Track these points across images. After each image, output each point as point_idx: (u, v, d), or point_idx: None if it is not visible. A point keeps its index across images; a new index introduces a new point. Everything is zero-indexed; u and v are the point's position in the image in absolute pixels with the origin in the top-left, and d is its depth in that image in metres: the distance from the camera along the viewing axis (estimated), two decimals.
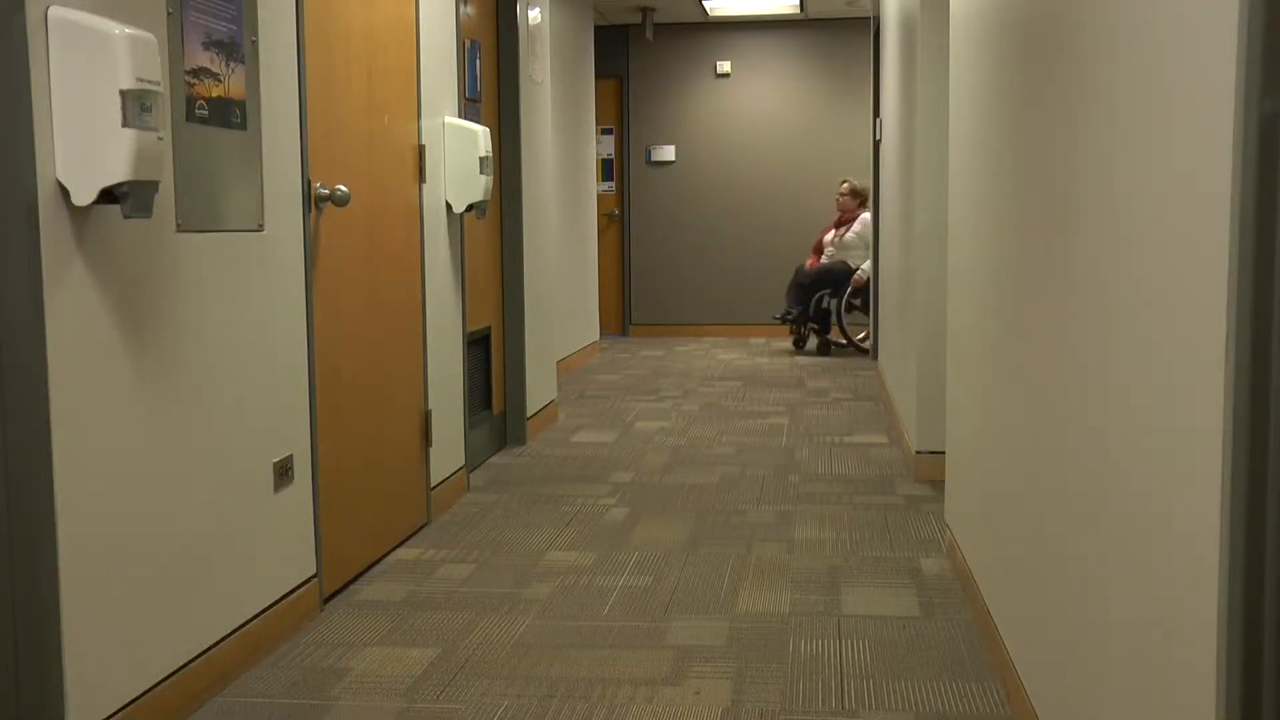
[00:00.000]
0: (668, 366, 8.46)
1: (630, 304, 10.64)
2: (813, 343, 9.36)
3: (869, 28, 9.47)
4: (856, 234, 9.01)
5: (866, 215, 8.88)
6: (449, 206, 4.41)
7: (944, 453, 4.08)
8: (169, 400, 2.56)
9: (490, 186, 4.48)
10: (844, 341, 9.04)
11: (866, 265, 8.80)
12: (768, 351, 9.30)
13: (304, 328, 3.20)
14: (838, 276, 8.97)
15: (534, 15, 5.78)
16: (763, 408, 6.65)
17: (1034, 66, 2.43)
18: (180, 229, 2.58)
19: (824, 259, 9.15)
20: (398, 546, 3.89)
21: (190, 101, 2.60)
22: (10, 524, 2.11)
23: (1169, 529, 1.53)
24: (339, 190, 3.34)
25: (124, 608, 2.39)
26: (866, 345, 8.92)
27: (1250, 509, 1.30)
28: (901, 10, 5.68)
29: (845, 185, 9.12)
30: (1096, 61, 1.91)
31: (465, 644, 3.02)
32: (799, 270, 9.26)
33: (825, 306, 9.00)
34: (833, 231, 9.20)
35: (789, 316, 9.19)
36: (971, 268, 3.31)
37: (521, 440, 5.61)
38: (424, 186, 4.14)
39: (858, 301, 8.99)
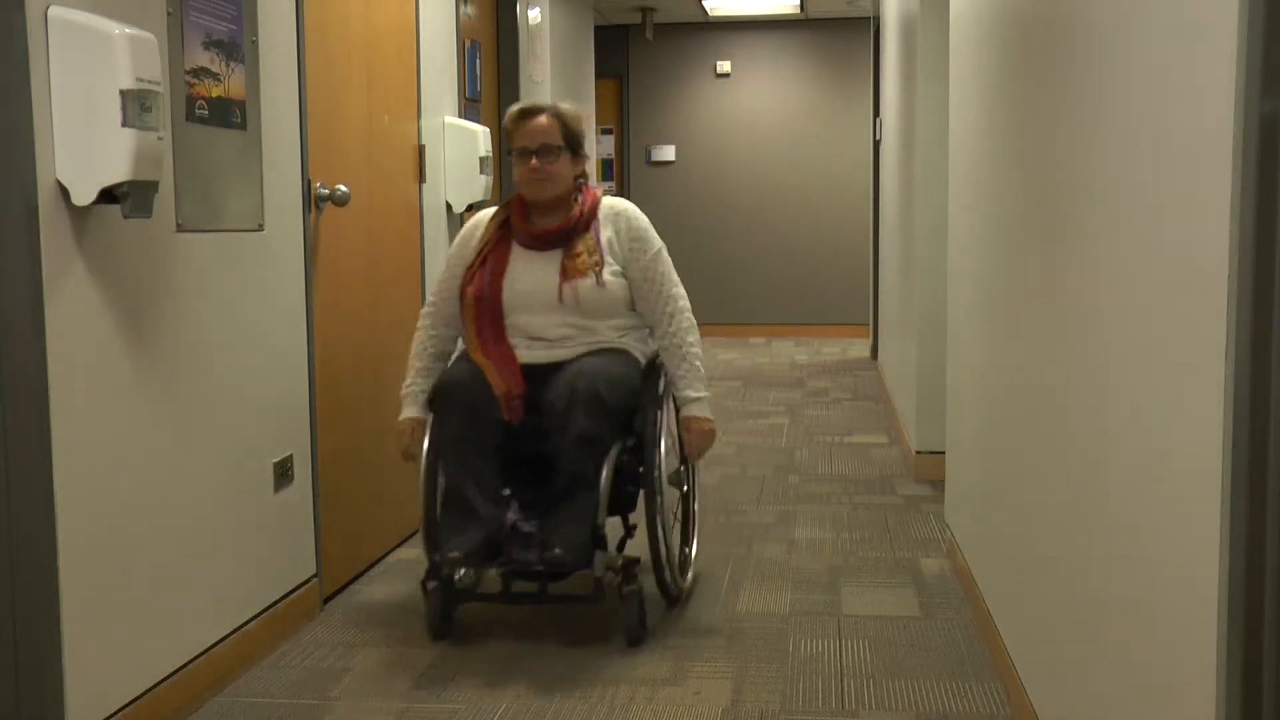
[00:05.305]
0: None
1: None
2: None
3: (869, 28, 9.47)
4: (623, 272, 3.15)
5: (625, 204, 3.25)
6: (449, 206, 4.40)
7: (944, 453, 4.08)
8: (169, 400, 2.56)
9: (490, 186, 4.48)
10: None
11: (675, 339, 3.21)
12: (768, 352, 9.29)
13: (304, 328, 3.20)
14: (626, 390, 3.08)
15: (534, 15, 5.78)
16: (763, 407, 6.64)
17: (1034, 66, 2.43)
18: (180, 229, 2.58)
19: (542, 347, 3.09)
20: (398, 546, 3.89)
21: (190, 101, 2.60)
22: (10, 524, 2.11)
23: (1169, 528, 1.53)
24: (339, 190, 3.34)
25: (124, 608, 2.39)
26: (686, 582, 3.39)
27: (1250, 508, 1.30)
28: (901, 10, 5.68)
29: (542, 118, 3.11)
30: (1096, 61, 1.91)
31: (465, 644, 3.02)
32: (474, 413, 3.01)
33: (629, 490, 3.23)
34: (538, 256, 3.12)
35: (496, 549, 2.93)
36: (971, 267, 3.31)
37: None
38: (424, 186, 4.13)
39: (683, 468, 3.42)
